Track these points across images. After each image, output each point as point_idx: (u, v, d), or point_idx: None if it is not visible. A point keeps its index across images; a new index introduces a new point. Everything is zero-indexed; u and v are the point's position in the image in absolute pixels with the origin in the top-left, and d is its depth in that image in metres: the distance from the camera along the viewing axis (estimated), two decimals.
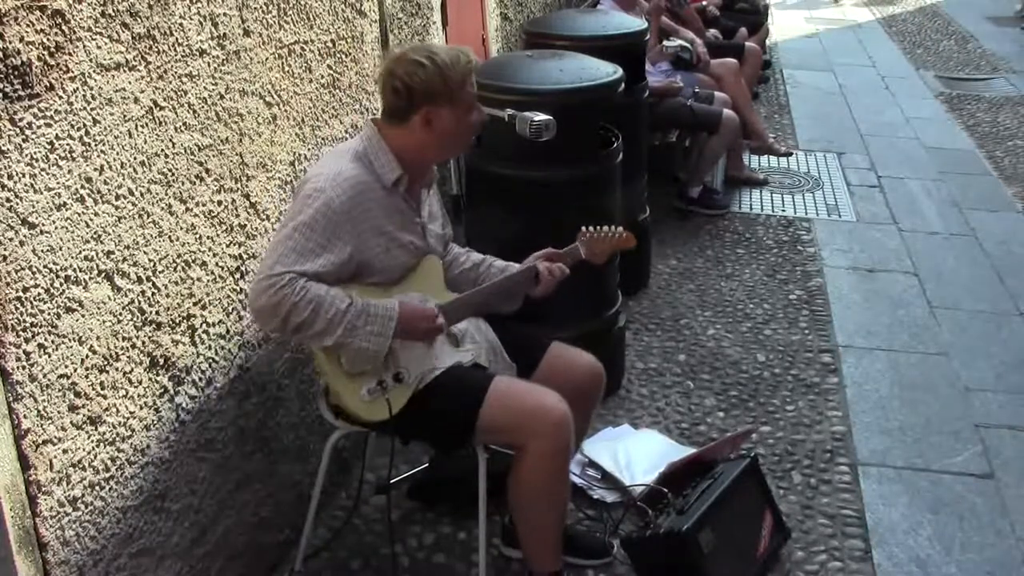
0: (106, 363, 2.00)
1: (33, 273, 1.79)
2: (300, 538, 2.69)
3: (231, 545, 2.50)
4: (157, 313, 2.15)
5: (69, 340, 1.89)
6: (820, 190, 5.79)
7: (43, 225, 1.80)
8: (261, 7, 2.46)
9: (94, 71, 1.90)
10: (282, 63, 2.58)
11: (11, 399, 1.76)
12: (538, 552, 2.49)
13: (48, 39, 1.77)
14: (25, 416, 1.79)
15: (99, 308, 1.96)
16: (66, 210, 1.86)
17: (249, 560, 2.58)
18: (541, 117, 2.75)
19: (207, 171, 2.29)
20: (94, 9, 1.88)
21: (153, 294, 2.13)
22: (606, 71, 3.32)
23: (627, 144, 3.43)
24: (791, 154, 6.40)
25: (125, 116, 2.00)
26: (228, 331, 2.41)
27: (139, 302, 2.08)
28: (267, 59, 2.51)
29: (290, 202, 2.44)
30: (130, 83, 2.00)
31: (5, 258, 1.72)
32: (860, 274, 4.70)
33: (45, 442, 1.85)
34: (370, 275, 2.32)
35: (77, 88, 1.86)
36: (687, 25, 6.00)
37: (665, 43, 5.32)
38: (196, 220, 2.26)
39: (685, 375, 3.75)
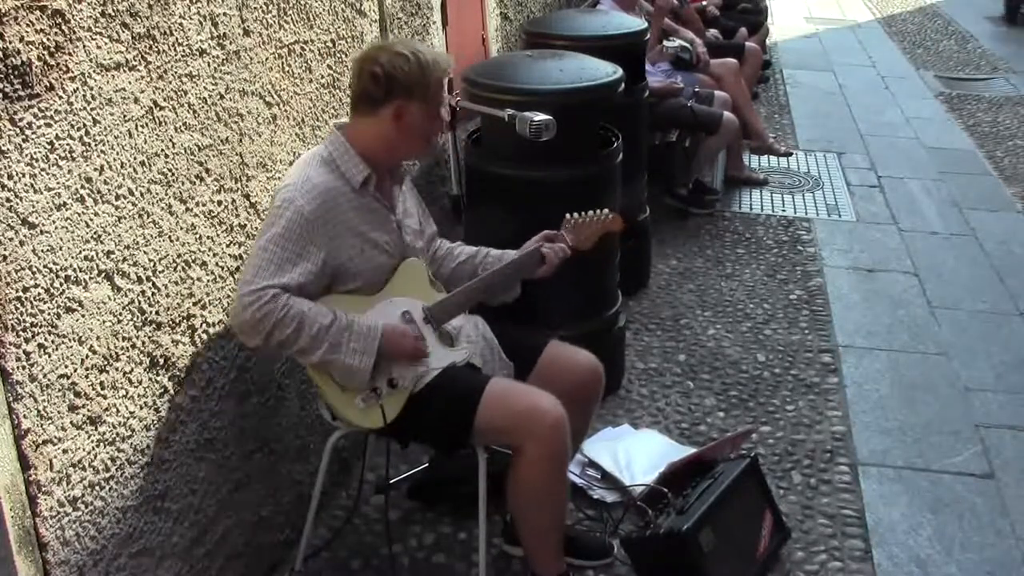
0: (106, 363, 2.00)
1: (33, 273, 1.79)
2: (300, 538, 2.69)
3: (231, 545, 2.50)
4: (157, 313, 2.15)
5: (69, 340, 1.89)
6: (820, 190, 5.79)
7: (43, 225, 1.80)
8: (261, 7, 2.46)
9: (94, 71, 1.90)
10: (282, 63, 2.58)
11: (11, 399, 1.76)
12: (540, 553, 2.49)
13: (48, 39, 1.78)
14: (25, 416, 1.79)
15: (99, 308, 1.96)
16: (66, 210, 1.86)
17: (249, 560, 2.58)
18: (541, 117, 2.75)
19: (207, 171, 2.29)
20: (94, 9, 1.88)
21: (153, 294, 2.13)
22: (606, 71, 3.32)
23: (627, 144, 3.43)
24: (791, 154, 6.40)
25: (125, 116, 2.00)
26: (228, 331, 2.40)
27: (139, 302, 2.08)
28: (267, 59, 2.51)
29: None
30: (130, 83, 2.00)
31: (5, 258, 1.72)
32: (860, 274, 4.70)
33: (45, 442, 1.85)
34: (348, 280, 2.32)
35: (77, 88, 1.86)
36: (687, 25, 6.00)
37: (665, 43, 5.32)
38: (196, 220, 2.27)
39: (685, 375, 3.75)
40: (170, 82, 2.13)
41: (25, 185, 1.76)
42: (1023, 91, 8.10)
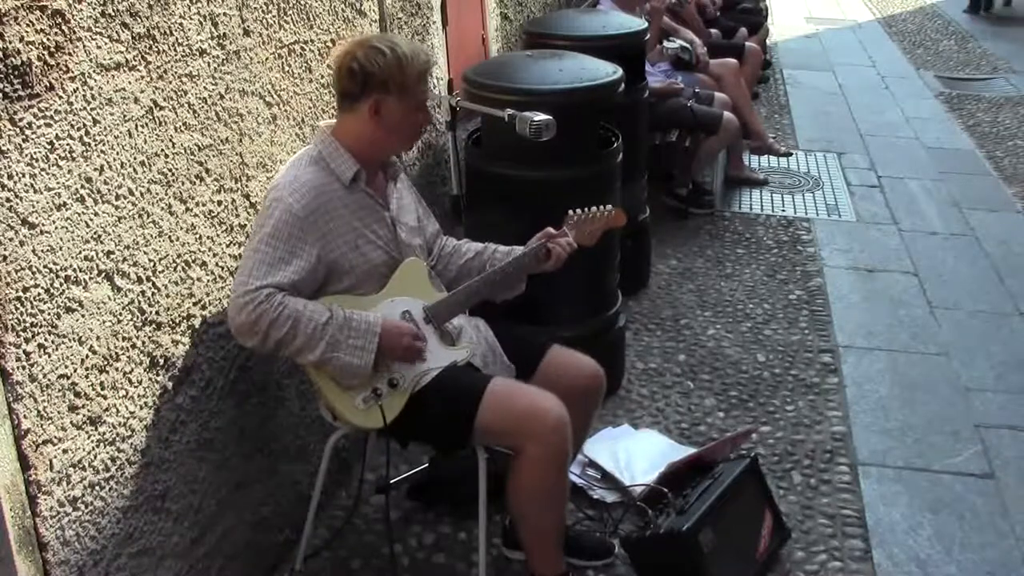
0: (106, 363, 2.00)
1: (33, 273, 1.79)
2: (300, 538, 2.69)
3: (231, 545, 2.50)
4: (157, 313, 2.15)
5: (69, 340, 1.89)
6: (820, 190, 5.79)
7: (43, 225, 1.80)
8: (261, 7, 2.46)
9: (94, 71, 1.90)
10: (282, 63, 2.58)
11: (11, 399, 1.76)
12: (540, 554, 2.49)
13: (48, 39, 1.78)
14: (25, 416, 1.79)
15: (99, 308, 1.96)
16: (66, 210, 1.86)
17: (249, 560, 2.58)
18: (541, 117, 2.75)
19: (207, 171, 2.29)
20: (94, 9, 1.88)
21: (153, 294, 2.13)
22: (606, 71, 3.32)
23: (627, 144, 3.43)
24: (791, 154, 6.40)
25: (125, 116, 2.00)
26: (228, 331, 2.40)
27: (139, 302, 2.08)
28: (267, 59, 2.51)
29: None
30: (130, 83, 2.00)
31: (5, 258, 1.72)
32: (860, 274, 4.70)
33: (45, 442, 1.85)
34: (342, 277, 2.31)
35: (77, 88, 1.86)
36: (687, 25, 6.00)
37: (665, 43, 5.32)
38: (196, 220, 2.26)
39: (685, 375, 3.75)
40: (170, 82, 2.13)
41: (25, 185, 1.76)
42: (1023, 91, 8.10)
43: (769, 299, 4.39)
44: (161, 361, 2.18)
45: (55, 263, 1.84)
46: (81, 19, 1.85)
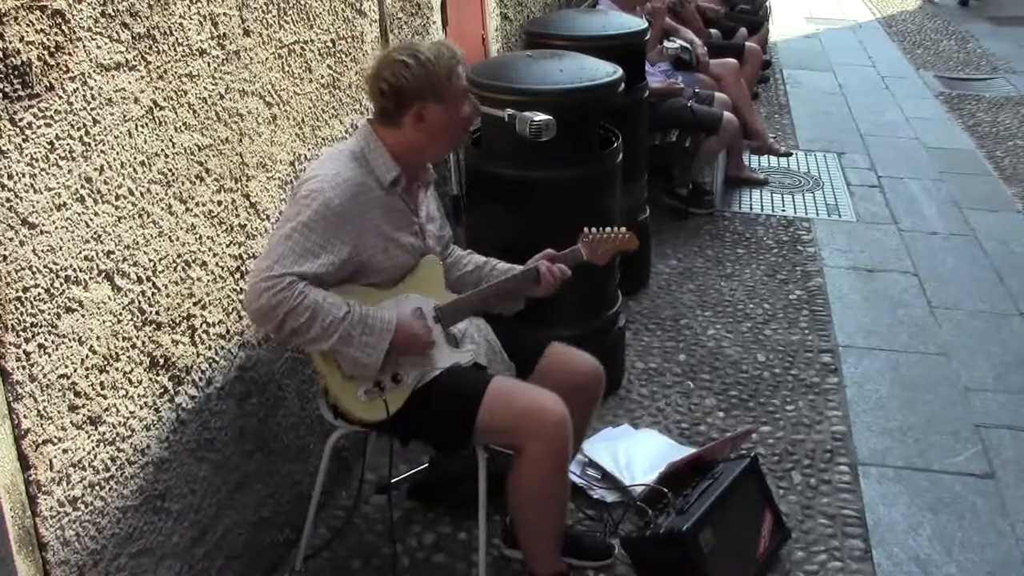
0: (106, 363, 2.00)
1: (33, 273, 1.79)
2: (300, 538, 2.69)
3: (231, 545, 2.50)
4: (157, 313, 2.15)
5: (69, 340, 1.89)
6: (820, 190, 5.79)
7: (43, 225, 1.80)
8: (261, 7, 2.46)
9: (94, 71, 1.90)
10: (282, 63, 2.58)
11: (11, 399, 1.76)
12: (538, 553, 2.49)
13: (48, 39, 1.78)
14: (25, 416, 1.79)
15: (99, 308, 1.96)
16: (66, 210, 1.86)
17: (249, 560, 2.58)
18: (541, 117, 2.75)
19: (207, 171, 2.29)
20: (94, 9, 1.88)
21: (153, 294, 2.13)
22: (606, 71, 3.32)
23: (627, 144, 3.43)
24: (791, 154, 6.39)
25: (125, 116, 2.00)
26: (228, 331, 2.41)
27: (139, 302, 2.08)
28: (267, 59, 2.51)
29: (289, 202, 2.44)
30: (130, 83, 2.00)
31: (5, 258, 1.73)
32: (860, 274, 4.70)
33: (45, 442, 1.85)
34: (369, 275, 2.32)
35: (77, 88, 1.86)
36: (687, 25, 6.00)
37: (665, 43, 5.32)
38: (196, 220, 2.26)
39: (685, 375, 3.75)
40: (170, 82, 2.13)
41: (25, 185, 1.76)
42: (1023, 91, 8.10)
43: (769, 299, 4.39)
44: (161, 361, 2.18)
45: (55, 263, 1.84)
46: (81, 19, 1.85)
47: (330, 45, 2.82)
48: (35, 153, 1.77)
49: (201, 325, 2.31)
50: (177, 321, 2.22)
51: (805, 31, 10.70)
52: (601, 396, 2.65)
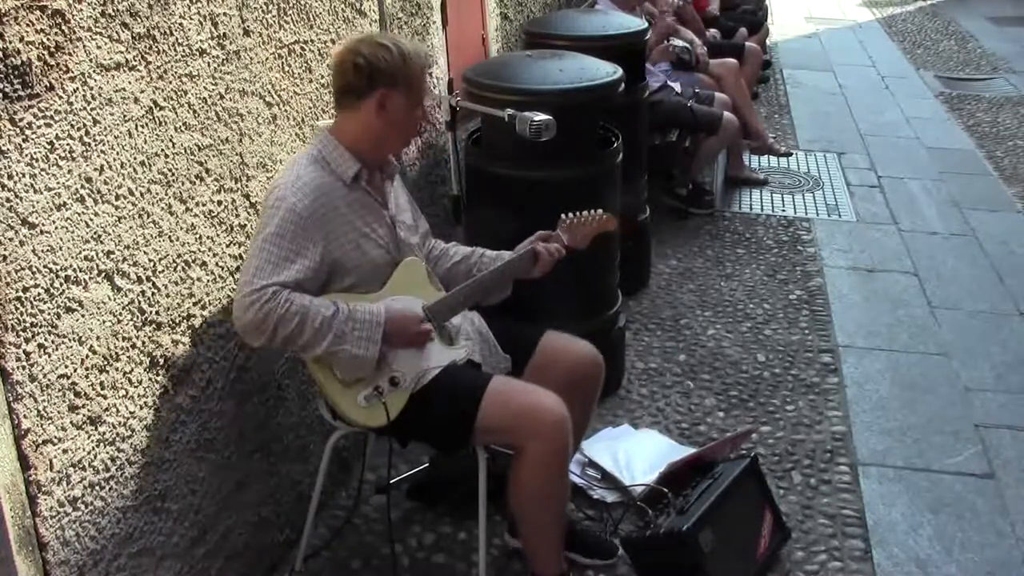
0: (106, 363, 2.00)
1: (33, 273, 1.79)
2: (300, 538, 2.69)
3: (231, 545, 2.50)
4: (157, 313, 2.15)
5: (69, 340, 1.89)
6: (820, 190, 5.79)
7: (43, 225, 1.80)
8: (261, 7, 2.46)
9: (94, 71, 1.90)
10: (282, 63, 2.58)
11: (11, 399, 1.76)
12: (540, 552, 2.49)
13: (48, 39, 1.78)
14: (25, 416, 1.79)
15: (99, 308, 1.96)
16: (66, 210, 1.86)
17: (249, 560, 2.58)
18: (541, 117, 2.75)
19: (207, 171, 2.29)
20: (94, 9, 1.88)
21: (153, 294, 2.13)
22: (606, 71, 3.32)
23: (627, 144, 3.43)
24: (791, 154, 6.40)
25: (125, 116, 2.00)
26: (228, 331, 2.41)
27: (139, 302, 2.08)
28: (267, 59, 2.51)
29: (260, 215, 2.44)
30: (130, 83, 2.00)
31: (5, 258, 1.73)
32: (860, 274, 4.70)
33: (45, 442, 1.85)
34: (344, 275, 2.32)
35: (77, 88, 1.86)
36: (687, 25, 6.00)
37: (672, 42, 5.32)
38: (196, 220, 2.27)
39: (685, 375, 3.75)
40: (170, 82, 2.13)
41: (25, 185, 1.76)
42: (1023, 91, 8.10)
43: (769, 299, 4.39)
44: (161, 361, 2.18)
45: (55, 263, 1.84)
46: (81, 19, 1.85)
47: (330, 45, 2.82)
48: (35, 153, 1.77)
49: (201, 325, 2.31)
50: (177, 321, 2.22)
51: (805, 31, 10.70)
52: (600, 385, 2.64)
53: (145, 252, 2.09)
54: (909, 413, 3.54)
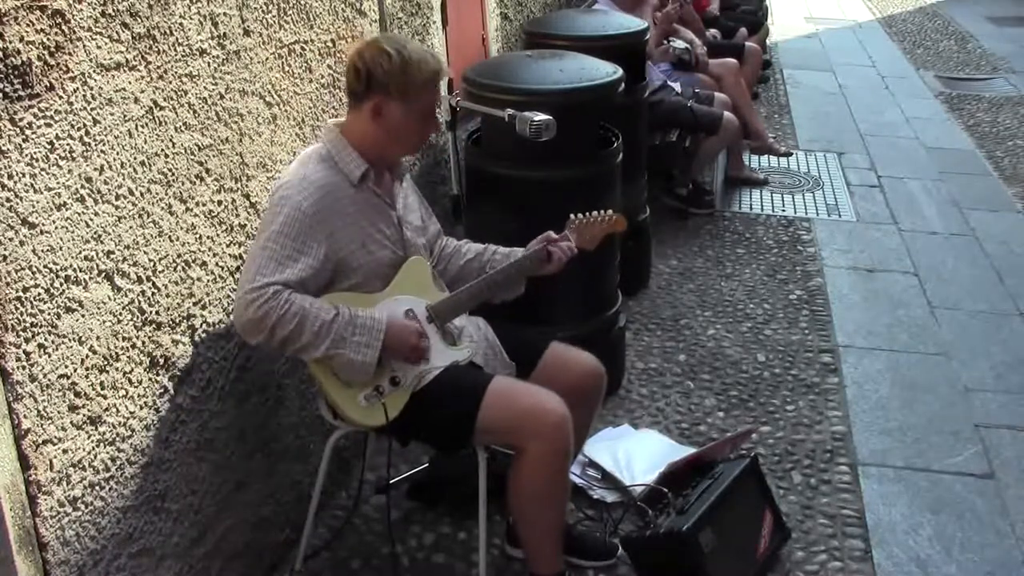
0: (106, 363, 2.00)
1: (33, 273, 1.79)
2: (300, 538, 2.69)
3: (231, 545, 2.50)
4: (157, 313, 2.15)
5: (69, 340, 1.89)
6: (820, 190, 5.79)
7: (43, 225, 1.80)
8: (261, 7, 2.46)
9: (94, 71, 1.90)
10: (282, 63, 2.58)
11: (11, 399, 1.76)
12: (539, 553, 2.49)
13: (48, 39, 1.78)
14: (25, 416, 1.79)
15: (99, 308, 1.96)
16: (66, 210, 1.86)
17: (249, 560, 2.58)
18: (541, 117, 2.75)
19: (207, 171, 2.29)
20: (94, 9, 1.88)
21: (153, 294, 2.13)
22: (606, 71, 3.32)
23: (627, 144, 3.43)
24: (791, 154, 6.40)
25: (125, 116, 2.00)
26: (228, 331, 2.41)
27: (139, 302, 2.08)
28: (267, 59, 2.51)
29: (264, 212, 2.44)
30: (130, 83, 2.00)
31: (5, 258, 1.72)
32: (860, 274, 4.70)
33: (45, 442, 1.85)
34: (349, 275, 2.32)
35: (77, 88, 1.86)
36: (687, 25, 6.00)
37: (673, 42, 5.32)
38: (196, 220, 2.27)
39: (685, 375, 3.75)
40: (170, 82, 2.13)
41: (25, 185, 1.76)
42: (1023, 91, 8.10)
43: (769, 299, 4.39)
44: (161, 361, 2.18)
45: (55, 263, 1.84)
46: (81, 19, 1.85)
47: (330, 45, 2.83)
48: (35, 153, 1.77)
49: (201, 325, 2.31)
50: (177, 321, 2.22)
51: (805, 31, 10.70)
52: (602, 396, 2.65)
53: (145, 252, 2.09)
54: (909, 413, 3.54)
